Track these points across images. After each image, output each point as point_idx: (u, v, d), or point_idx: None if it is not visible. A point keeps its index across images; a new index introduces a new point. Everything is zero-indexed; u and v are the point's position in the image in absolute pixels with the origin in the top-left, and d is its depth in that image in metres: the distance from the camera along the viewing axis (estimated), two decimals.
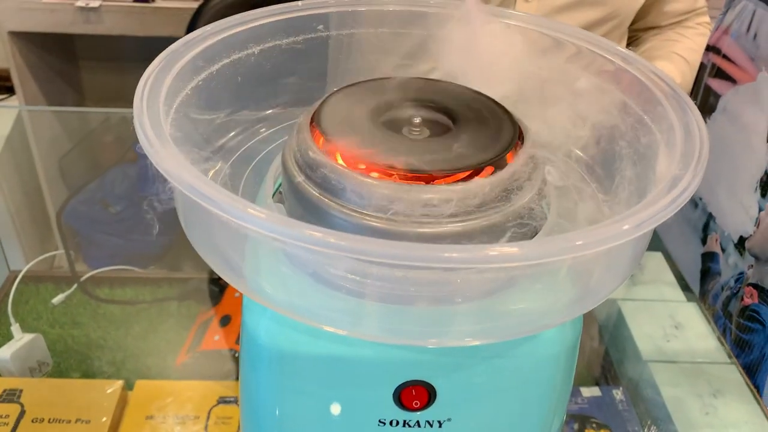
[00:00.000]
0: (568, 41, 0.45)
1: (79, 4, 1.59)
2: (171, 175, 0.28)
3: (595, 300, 0.34)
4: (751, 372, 0.47)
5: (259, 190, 0.39)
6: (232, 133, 0.41)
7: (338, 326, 0.33)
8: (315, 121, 0.37)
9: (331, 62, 0.49)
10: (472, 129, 0.37)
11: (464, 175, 0.34)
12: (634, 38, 0.94)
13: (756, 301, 0.46)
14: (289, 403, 0.36)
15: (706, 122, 0.56)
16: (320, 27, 0.45)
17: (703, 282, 0.54)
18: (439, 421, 0.36)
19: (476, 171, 0.35)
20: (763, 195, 0.46)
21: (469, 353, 0.34)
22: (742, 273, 0.48)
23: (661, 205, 0.29)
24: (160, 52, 0.38)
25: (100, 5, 1.59)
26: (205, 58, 0.39)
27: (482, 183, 0.34)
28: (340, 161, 0.35)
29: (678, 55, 0.86)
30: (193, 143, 0.36)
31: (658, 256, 0.86)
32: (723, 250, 0.51)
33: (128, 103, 0.33)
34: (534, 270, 0.32)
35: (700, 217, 0.54)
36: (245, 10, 0.43)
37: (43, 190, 1.14)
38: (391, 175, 0.34)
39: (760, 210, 0.46)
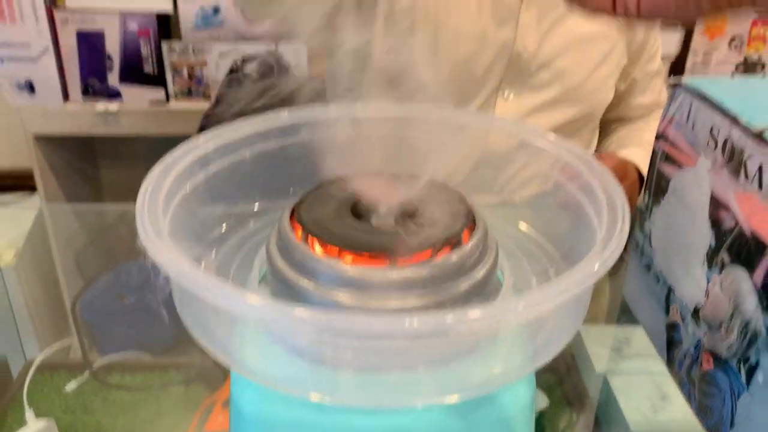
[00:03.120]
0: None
1: (99, 108, 1.70)
2: (166, 266, 0.33)
3: (546, 357, 0.38)
4: None
5: (248, 277, 0.44)
6: (225, 226, 0.47)
7: (318, 395, 0.38)
8: (294, 214, 0.42)
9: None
10: (431, 214, 0.42)
11: (426, 255, 0.40)
12: (603, 128, 1.00)
13: (712, 366, 0.50)
14: None
15: (659, 203, 0.61)
16: (304, 132, 0.51)
17: (669, 351, 0.57)
18: None
19: (436, 250, 0.40)
20: (709, 267, 0.51)
21: (429, 418, 0.38)
22: (699, 340, 0.52)
23: (588, 273, 0.34)
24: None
25: (119, 109, 1.70)
26: (200, 162, 0.45)
27: (441, 261, 0.39)
28: (317, 249, 0.40)
29: (649, 143, 0.92)
30: (189, 236, 0.41)
31: (643, 330, 0.88)
32: (683, 319, 0.55)
33: None
34: (489, 331, 0.37)
35: (662, 290, 0.58)
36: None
37: (60, 283, 1.19)
38: (360, 259, 0.39)
39: (708, 281, 0.51)
